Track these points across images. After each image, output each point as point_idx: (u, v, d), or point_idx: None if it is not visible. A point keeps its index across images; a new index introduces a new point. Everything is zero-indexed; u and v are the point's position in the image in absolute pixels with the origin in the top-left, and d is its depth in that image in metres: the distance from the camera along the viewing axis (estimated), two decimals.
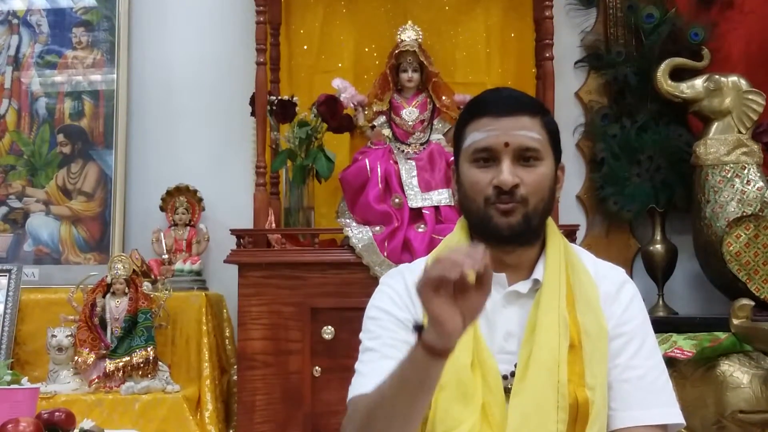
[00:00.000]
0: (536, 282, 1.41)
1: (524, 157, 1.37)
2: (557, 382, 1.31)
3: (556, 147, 1.43)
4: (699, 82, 2.78)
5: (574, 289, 1.40)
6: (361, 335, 1.46)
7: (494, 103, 1.41)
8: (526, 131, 1.37)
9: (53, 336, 2.57)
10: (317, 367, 2.50)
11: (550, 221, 1.45)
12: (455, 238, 1.48)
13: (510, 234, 1.37)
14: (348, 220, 2.62)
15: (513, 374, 1.35)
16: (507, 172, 1.35)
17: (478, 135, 1.39)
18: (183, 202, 3.02)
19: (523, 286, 1.41)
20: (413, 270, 1.49)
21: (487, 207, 1.37)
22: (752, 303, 2.35)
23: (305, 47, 3.04)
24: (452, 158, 2.34)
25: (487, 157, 1.38)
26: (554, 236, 1.45)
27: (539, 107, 1.44)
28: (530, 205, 1.37)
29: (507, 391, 1.34)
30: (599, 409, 1.33)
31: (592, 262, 1.48)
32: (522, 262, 1.43)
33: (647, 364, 1.39)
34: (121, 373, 2.55)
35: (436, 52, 2.91)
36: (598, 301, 1.40)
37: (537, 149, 1.38)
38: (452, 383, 1.32)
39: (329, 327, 2.49)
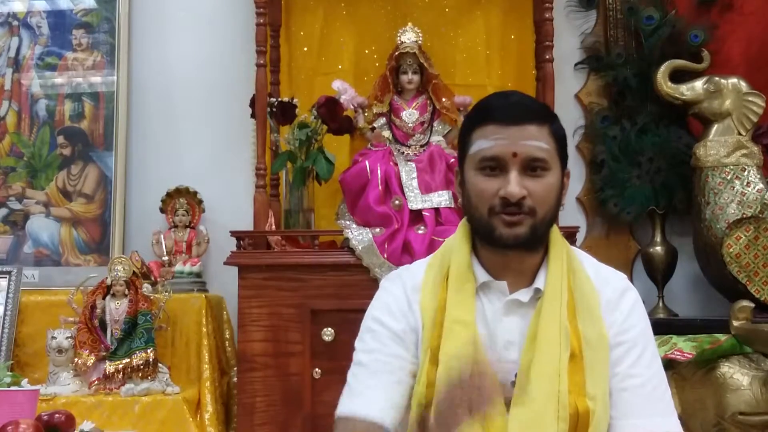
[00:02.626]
0: (537, 291, 1.40)
1: (532, 167, 1.36)
2: (558, 392, 1.30)
3: (563, 154, 1.42)
4: (699, 84, 2.78)
5: (575, 296, 1.39)
6: (357, 342, 1.46)
7: (502, 109, 1.38)
8: (534, 141, 1.35)
9: (53, 338, 2.56)
10: (317, 369, 2.50)
11: (553, 227, 1.45)
12: (456, 241, 1.47)
13: (515, 244, 1.36)
14: (348, 222, 2.62)
15: (514, 384, 1.34)
16: (515, 184, 1.34)
17: (485, 143, 1.37)
18: (183, 203, 3.02)
19: (524, 295, 1.40)
20: (413, 272, 1.49)
21: (492, 216, 1.36)
22: (752, 305, 2.34)
23: (305, 49, 3.04)
24: (452, 160, 2.35)
25: (494, 165, 1.36)
26: (557, 242, 1.44)
27: (548, 114, 1.42)
28: (538, 216, 1.36)
29: (508, 400, 1.33)
30: (600, 419, 1.32)
31: (594, 267, 1.47)
32: (524, 268, 1.42)
33: (647, 372, 1.38)
34: (121, 375, 2.55)
35: (436, 53, 2.91)
36: (599, 309, 1.39)
37: (545, 159, 1.36)
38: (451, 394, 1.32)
39: (329, 329, 2.49)
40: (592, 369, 1.34)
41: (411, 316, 1.42)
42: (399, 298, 1.45)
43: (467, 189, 1.42)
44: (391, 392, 1.37)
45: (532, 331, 1.36)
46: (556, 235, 1.45)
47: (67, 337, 2.57)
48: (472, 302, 1.39)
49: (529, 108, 1.40)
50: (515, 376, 1.35)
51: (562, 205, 1.45)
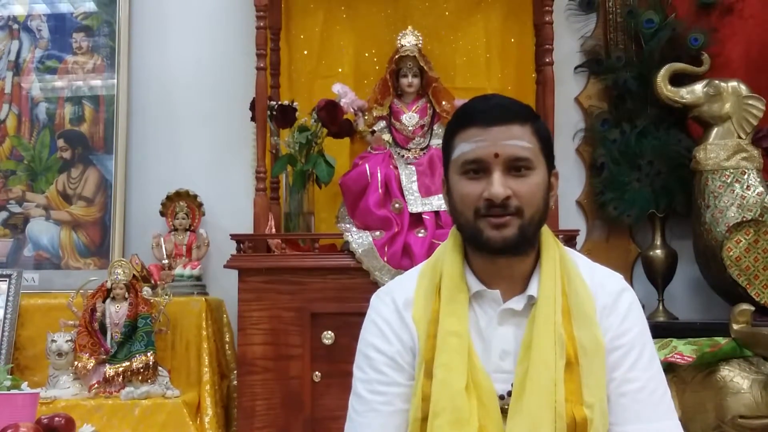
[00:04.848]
0: (531, 298, 1.37)
1: (515, 167, 1.33)
2: (554, 402, 1.28)
3: (548, 153, 1.39)
4: (699, 88, 2.78)
5: (570, 301, 1.37)
6: (354, 369, 1.44)
7: (482, 111, 1.37)
8: (516, 140, 1.33)
9: (53, 341, 2.56)
10: (317, 372, 2.50)
11: (545, 229, 1.42)
12: (448, 250, 1.45)
13: (504, 247, 1.33)
14: (348, 225, 2.62)
15: (510, 394, 1.32)
16: (498, 185, 1.32)
17: (467, 146, 1.35)
18: (183, 206, 3.02)
19: (517, 304, 1.38)
20: (404, 286, 1.47)
21: (478, 219, 1.34)
22: (752, 308, 2.35)
23: (305, 52, 3.04)
24: None
25: (477, 168, 1.34)
26: (549, 245, 1.41)
27: (529, 114, 1.39)
28: (526, 217, 1.33)
29: (504, 411, 1.31)
30: (598, 427, 1.30)
31: (589, 269, 1.44)
32: (516, 274, 1.39)
33: (645, 375, 1.36)
34: (120, 378, 2.54)
35: (436, 57, 2.91)
36: (594, 314, 1.36)
37: (528, 158, 1.34)
38: (447, 410, 1.30)
39: (329, 332, 2.49)
40: (588, 376, 1.32)
41: (405, 334, 1.40)
42: (389, 319, 1.42)
43: (452, 195, 1.40)
44: (389, 426, 1.37)
45: (527, 340, 1.34)
46: (547, 238, 1.42)
47: (67, 341, 2.57)
48: (465, 312, 1.37)
49: (509, 108, 1.38)
50: (512, 386, 1.33)
51: (551, 206, 1.42)
